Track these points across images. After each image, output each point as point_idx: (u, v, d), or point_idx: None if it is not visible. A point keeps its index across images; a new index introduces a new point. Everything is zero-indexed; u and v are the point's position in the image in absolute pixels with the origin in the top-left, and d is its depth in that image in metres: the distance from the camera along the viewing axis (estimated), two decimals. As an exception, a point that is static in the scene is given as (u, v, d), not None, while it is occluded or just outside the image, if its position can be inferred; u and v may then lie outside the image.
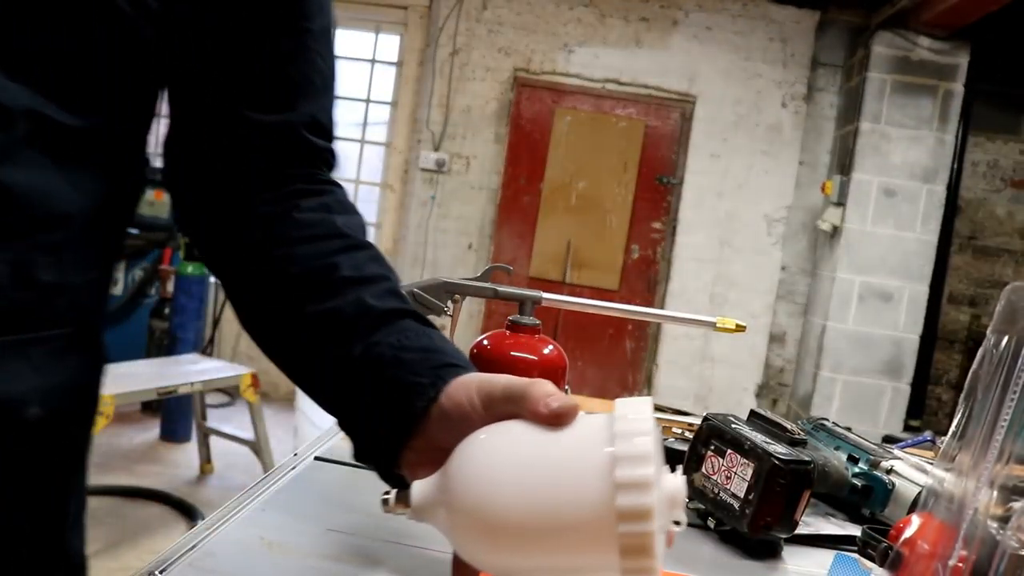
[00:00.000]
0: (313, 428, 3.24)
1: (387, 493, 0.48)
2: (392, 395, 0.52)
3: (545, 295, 0.93)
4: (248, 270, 0.59)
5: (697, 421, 1.04)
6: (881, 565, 0.61)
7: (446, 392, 0.51)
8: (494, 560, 0.45)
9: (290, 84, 0.58)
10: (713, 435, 0.75)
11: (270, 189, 0.59)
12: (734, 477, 0.71)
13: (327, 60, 0.61)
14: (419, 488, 0.47)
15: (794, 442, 0.72)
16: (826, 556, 0.73)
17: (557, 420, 0.45)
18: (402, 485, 0.53)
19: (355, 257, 0.58)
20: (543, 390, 0.46)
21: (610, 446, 0.41)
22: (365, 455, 0.55)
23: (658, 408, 1.16)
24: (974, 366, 0.58)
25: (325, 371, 0.56)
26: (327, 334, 0.55)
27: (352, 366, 0.54)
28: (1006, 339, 0.56)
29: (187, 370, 2.89)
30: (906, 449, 1.02)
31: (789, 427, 0.74)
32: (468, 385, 0.50)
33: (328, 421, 1.08)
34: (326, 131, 0.61)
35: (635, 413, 0.43)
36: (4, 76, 0.44)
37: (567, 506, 0.42)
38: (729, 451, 0.72)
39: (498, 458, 0.45)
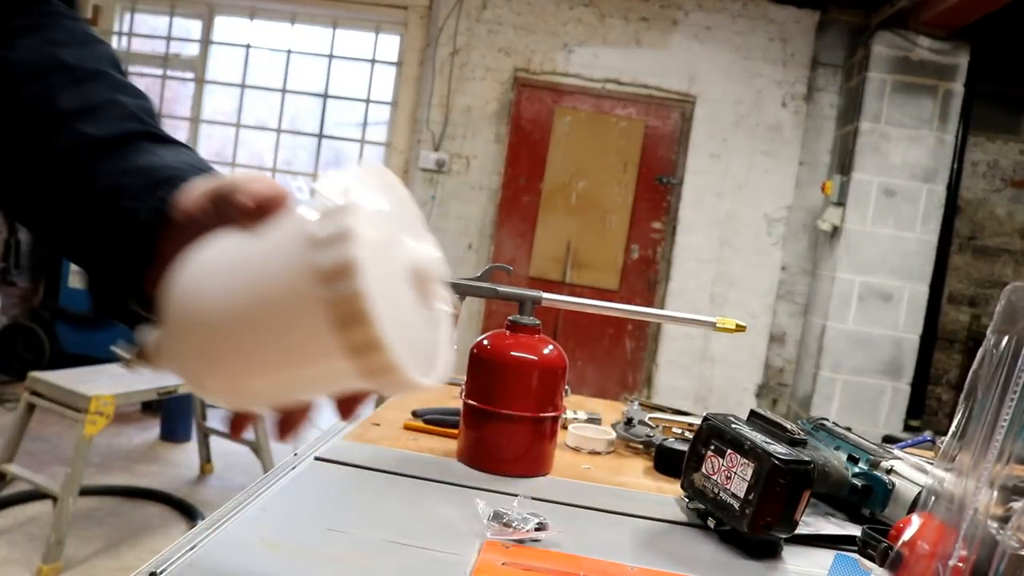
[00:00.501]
0: (313, 428, 3.24)
1: (121, 351, 0.44)
2: (110, 228, 0.47)
3: (545, 295, 0.93)
4: None
5: (697, 421, 1.04)
6: (881, 565, 0.61)
7: (178, 206, 0.46)
8: (226, 381, 0.42)
9: None
10: (713, 435, 0.75)
11: None
12: (734, 477, 0.71)
13: None
14: (149, 332, 0.43)
15: (794, 442, 0.72)
16: (826, 556, 0.73)
17: (261, 210, 0.41)
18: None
19: (82, 88, 0.51)
20: (252, 179, 0.43)
21: (307, 211, 0.38)
22: (101, 304, 0.51)
23: (658, 408, 1.16)
24: (974, 366, 0.58)
25: (46, 217, 0.51)
26: (45, 174, 0.49)
27: (72, 204, 0.49)
28: (1006, 339, 0.56)
29: (187, 370, 2.88)
30: (906, 449, 1.02)
31: (789, 427, 0.74)
32: (199, 190, 0.46)
33: (328, 421, 1.08)
34: None
35: (343, 175, 0.39)
36: None
37: (273, 284, 0.38)
38: (729, 451, 0.72)
39: (204, 265, 0.41)
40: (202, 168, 0.50)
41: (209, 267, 0.41)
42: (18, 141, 0.50)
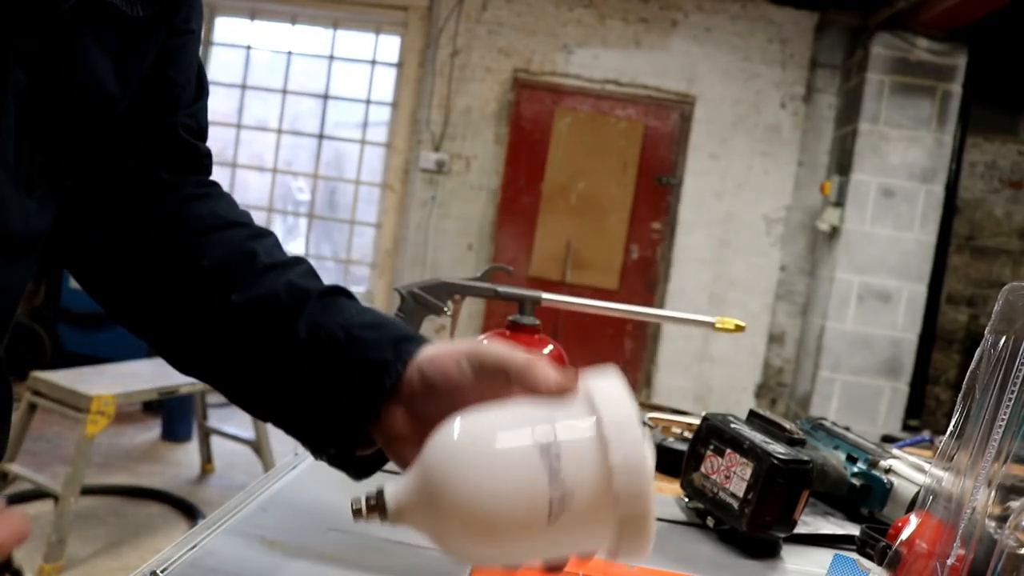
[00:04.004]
0: (313, 428, 3.24)
1: (358, 502, 0.43)
2: (356, 376, 0.49)
3: (545, 295, 0.93)
4: (150, 274, 0.55)
5: (696, 421, 1.04)
6: (880, 564, 0.61)
7: (427, 361, 0.49)
8: (477, 551, 0.43)
9: (171, 86, 0.57)
10: (712, 435, 0.75)
11: (158, 192, 0.57)
12: (733, 476, 0.71)
13: (198, 63, 0.60)
14: (393, 490, 0.43)
15: (793, 442, 0.72)
16: (825, 555, 0.73)
17: (562, 390, 0.43)
18: (364, 470, 0.53)
19: (266, 243, 0.56)
20: (546, 366, 0.45)
21: (598, 430, 0.40)
22: (326, 443, 0.52)
23: (657, 408, 1.16)
24: (972, 366, 0.58)
25: (265, 363, 0.52)
26: (263, 321, 0.51)
27: (299, 351, 0.50)
28: (1004, 339, 0.57)
29: (187, 370, 2.89)
30: (904, 448, 1.02)
31: (788, 427, 0.74)
32: (455, 352, 0.48)
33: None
34: (203, 134, 0.61)
35: (611, 391, 0.42)
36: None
37: (568, 492, 0.40)
38: (728, 451, 0.72)
39: (478, 446, 0.41)
40: (414, 329, 0.54)
41: (483, 450, 0.41)
42: (219, 284, 0.53)
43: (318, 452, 0.54)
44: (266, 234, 0.57)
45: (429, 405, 0.48)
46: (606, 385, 0.43)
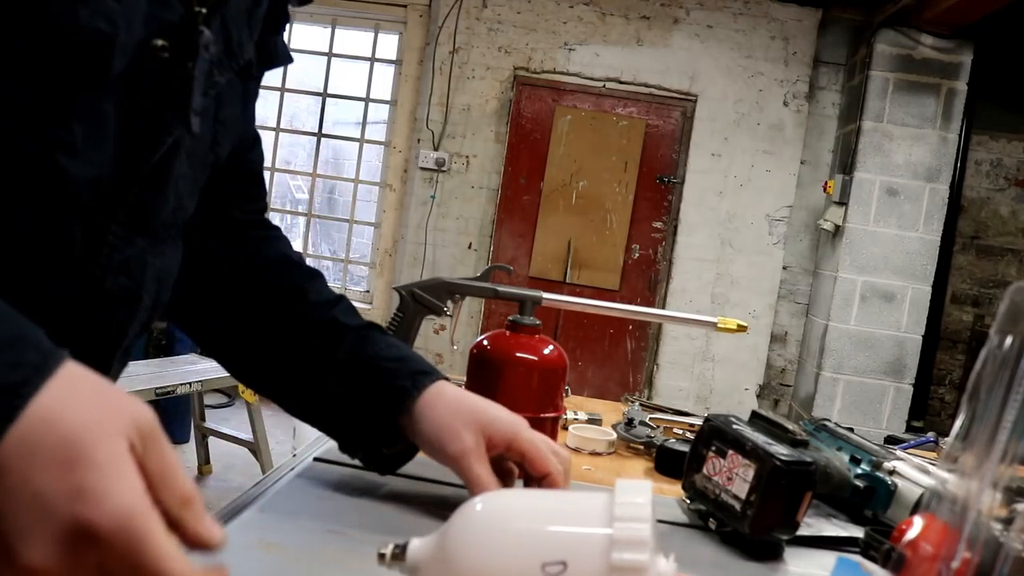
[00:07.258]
0: (312, 429, 3.24)
1: (384, 548, 0.51)
2: (380, 397, 0.66)
3: (545, 295, 0.92)
4: (230, 307, 0.69)
5: (698, 422, 1.04)
6: (884, 567, 0.60)
7: (434, 395, 0.65)
8: None
9: (251, 126, 0.68)
10: (714, 436, 0.74)
11: (230, 230, 0.69)
12: (735, 478, 0.70)
13: None
14: (416, 547, 0.50)
15: (796, 443, 0.71)
16: (828, 558, 0.73)
17: (553, 485, 0.58)
18: (389, 466, 0.69)
19: (316, 283, 0.71)
20: (548, 456, 0.60)
21: (609, 528, 0.44)
22: (352, 446, 0.69)
23: (659, 408, 1.16)
24: (977, 366, 0.57)
25: (311, 379, 0.68)
26: (312, 347, 0.68)
27: (338, 373, 0.67)
28: (1010, 339, 0.56)
29: (185, 370, 2.89)
30: (909, 450, 1.01)
31: (791, 428, 0.73)
32: (463, 416, 0.64)
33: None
34: (263, 174, 0.73)
35: (634, 496, 0.45)
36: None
37: None
38: (730, 452, 0.72)
39: (497, 530, 0.48)
40: (427, 362, 0.70)
41: (498, 532, 0.47)
42: (274, 319, 0.69)
43: (350, 453, 0.70)
44: (316, 274, 0.72)
45: (422, 425, 0.65)
46: (631, 500, 0.46)
